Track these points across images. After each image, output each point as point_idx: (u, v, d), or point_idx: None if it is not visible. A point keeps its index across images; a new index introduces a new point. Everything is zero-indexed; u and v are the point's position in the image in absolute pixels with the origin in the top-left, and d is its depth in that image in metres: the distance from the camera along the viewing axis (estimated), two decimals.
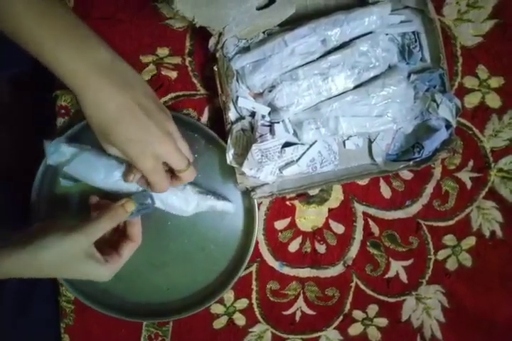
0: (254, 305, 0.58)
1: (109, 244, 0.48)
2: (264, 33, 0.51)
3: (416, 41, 0.53)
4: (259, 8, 0.48)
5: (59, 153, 0.48)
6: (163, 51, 0.55)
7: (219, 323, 0.58)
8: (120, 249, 0.47)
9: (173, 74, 0.55)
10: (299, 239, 0.57)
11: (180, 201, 0.52)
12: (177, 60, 0.55)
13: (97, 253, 0.44)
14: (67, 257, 0.42)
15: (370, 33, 0.51)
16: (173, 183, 0.48)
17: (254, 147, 0.49)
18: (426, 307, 0.59)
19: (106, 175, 0.49)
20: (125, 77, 0.41)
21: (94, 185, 0.50)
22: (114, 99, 0.40)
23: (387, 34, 0.52)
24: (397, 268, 0.58)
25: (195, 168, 0.48)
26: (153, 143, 0.42)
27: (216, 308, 0.57)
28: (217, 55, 0.50)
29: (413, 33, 0.53)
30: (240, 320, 0.58)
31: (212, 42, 0.50)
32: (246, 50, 0.51)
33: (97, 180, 0.50)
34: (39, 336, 0.57)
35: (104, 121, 0.40)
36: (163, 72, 0.55)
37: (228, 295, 0.57)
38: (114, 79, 0.40)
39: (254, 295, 0.58)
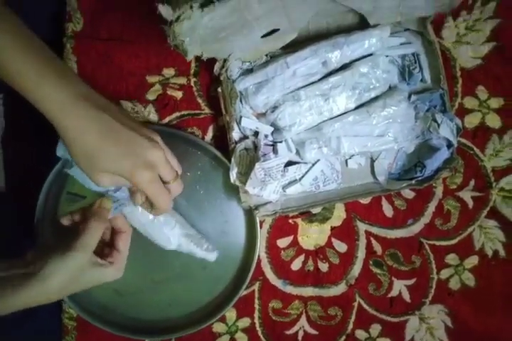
0: (257, 325, 0.57)
1: (105, 245, 0.50)
2: (266, 55, 0.52)
3: (416, 62, 0.54)
4: (263, 36, 0.49)
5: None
6: (169, 71, 0.56)
7: None
8: (116, 244, 0.49)
9: (179, 94, 0.56)
10: (302, 257, 0.58)
11: (161, 238, 0.52)
12: (182, 81, 0.56)
13: (99, 260, 0.46)
14: (74, 275, 0.43)
15: (371, 54, 0.52)
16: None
17: (257, 166, 0.49)
18: (429, 327, 0.58)
19: None
20: (102, 104, 0.42)
21: (91, 189, 0.50)
22: (95, 120, 0.40)
23: (387, 56, 0.53)
24: (399, 287, 0.58)
25: (184, 182, 0.48)
26: (144, 152, 0.42)
27: (218, 327, 0.57)
28: (222, 77, 0.51)
29: (413, 54, 0.54)
30: (242, 339, 0.57)
31: (217, 67, 0.51)
32: (249, 71, 0.52)
33: (95, 187, 0.49)
34: None
35: (90, 142, 0.40)
36: (168, 92, 0.56)
37: (230, 313, 0.57)
38: (93, 105, 0.40)
39: (256, 314, 0.57)
